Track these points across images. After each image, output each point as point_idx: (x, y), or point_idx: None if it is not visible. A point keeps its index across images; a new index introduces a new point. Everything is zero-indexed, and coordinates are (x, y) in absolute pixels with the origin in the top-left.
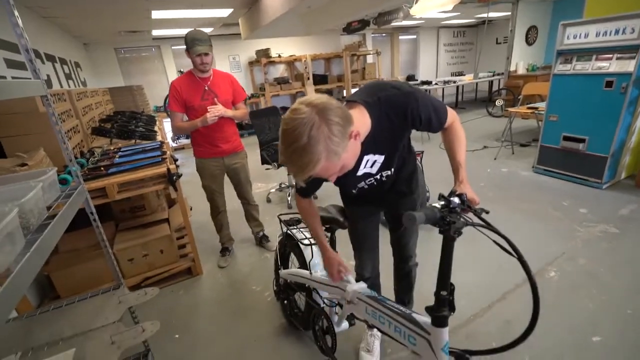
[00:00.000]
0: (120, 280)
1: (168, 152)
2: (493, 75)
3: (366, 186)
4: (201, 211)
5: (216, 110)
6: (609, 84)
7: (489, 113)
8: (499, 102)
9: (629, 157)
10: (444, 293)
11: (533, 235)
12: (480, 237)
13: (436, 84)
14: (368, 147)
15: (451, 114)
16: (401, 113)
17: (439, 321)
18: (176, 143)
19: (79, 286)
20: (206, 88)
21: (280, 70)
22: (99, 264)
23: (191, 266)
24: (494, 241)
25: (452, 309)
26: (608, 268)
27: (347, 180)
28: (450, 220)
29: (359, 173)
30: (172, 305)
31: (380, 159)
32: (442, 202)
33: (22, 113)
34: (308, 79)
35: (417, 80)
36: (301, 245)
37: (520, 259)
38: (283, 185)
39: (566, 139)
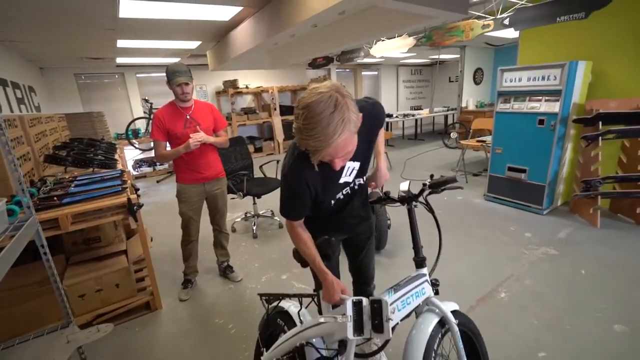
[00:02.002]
0: (69, 317)
1: (129, 181)
2: (447, 110)
3: (342, 196)
4: (162, 241)
5: (199, 137)
6: (541, 122)
7: (445, 145)
8: (453, 135)
9: (562, 186)
10: (421, 245)
11: (485, 259)
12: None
13: (397, 116)
14: None
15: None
16: (372, 120)
17: (422, 263)
18: (137, 171)
19: (20, 329)
20: (188, 117)
21: (247, 101)
22: (44, 302)
23: (150, 300)
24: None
25: None
26: (550, 287)
27: (331, 188)
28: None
29: (341, 181)
30: (127, 344)
31: (357, 166)
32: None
33: None
34: (275, 109)
35: None
36: (286, 305)
37: (435, 218)
38: (248, 215)
39: (510, 169)
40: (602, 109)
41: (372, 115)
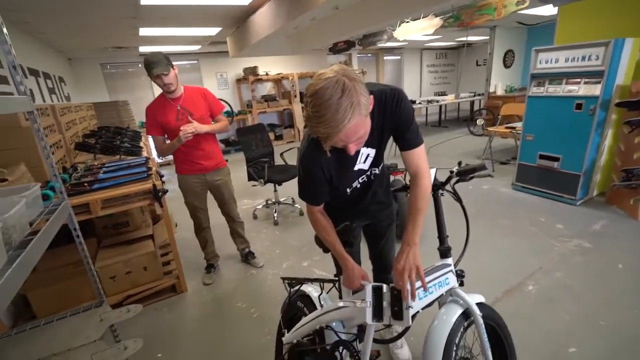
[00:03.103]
0: (102, 297)
1: (154, 168)
2: (474, 96)
3: (358, 185)
4: (187, 227)
5: (189, 128)
6: (579, 106)
7: (471, 132)
8: (479, 122)
9: (599, 175)
10: (447, 235)
11: (512, 250)
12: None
13: (420, 103)
14: None
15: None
16: (389, 106)
17: (447, 253)
18: (162, 159)
19: (57, 306)
20: (179, 108)
21: (267, 88)
22: (78, 282)
23: (175, 283)
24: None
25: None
26: (582, 281)
27: (346, 174)
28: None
29: (356, 168)
30: (155, 324)
31: (372, 152)
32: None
33: (1, 128)
34: (295, 96)
35: None
36: (307, 289)
37: (463, 208)
38: (269, 202)
39: (542, 157)
40: None
41: (390, 99)
